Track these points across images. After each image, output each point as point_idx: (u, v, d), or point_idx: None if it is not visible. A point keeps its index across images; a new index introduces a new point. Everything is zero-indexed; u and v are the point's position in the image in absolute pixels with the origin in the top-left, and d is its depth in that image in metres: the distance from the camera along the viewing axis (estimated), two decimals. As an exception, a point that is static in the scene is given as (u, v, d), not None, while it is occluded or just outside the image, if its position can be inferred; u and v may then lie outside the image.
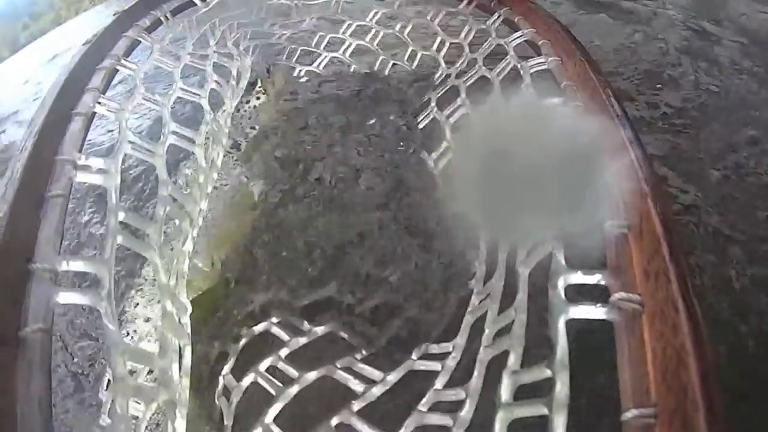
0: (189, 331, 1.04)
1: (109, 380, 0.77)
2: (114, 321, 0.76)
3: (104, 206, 0.91)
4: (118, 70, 1.21)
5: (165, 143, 1.20)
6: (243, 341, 1.16)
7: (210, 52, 1.74)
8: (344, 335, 1.20)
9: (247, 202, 1.71)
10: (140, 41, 1.36)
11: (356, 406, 0.96)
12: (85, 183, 0.92)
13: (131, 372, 0.78)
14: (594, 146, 0.77)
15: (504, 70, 1.31)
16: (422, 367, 1.03)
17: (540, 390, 0.68)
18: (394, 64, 2.18)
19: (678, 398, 0.49)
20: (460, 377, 0.95)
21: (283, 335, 1.16)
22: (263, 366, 1.07)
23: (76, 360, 1.39)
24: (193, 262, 1.40)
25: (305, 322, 1.21)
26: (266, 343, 1.15)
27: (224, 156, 1.76)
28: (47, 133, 0.91)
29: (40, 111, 0.95)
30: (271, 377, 1.04)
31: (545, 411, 0.63)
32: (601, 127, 0.83)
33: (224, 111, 1.70)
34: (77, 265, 0.77)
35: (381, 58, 2.19)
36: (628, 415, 0.53)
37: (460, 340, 1.03)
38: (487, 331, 0.92)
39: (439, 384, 0.96)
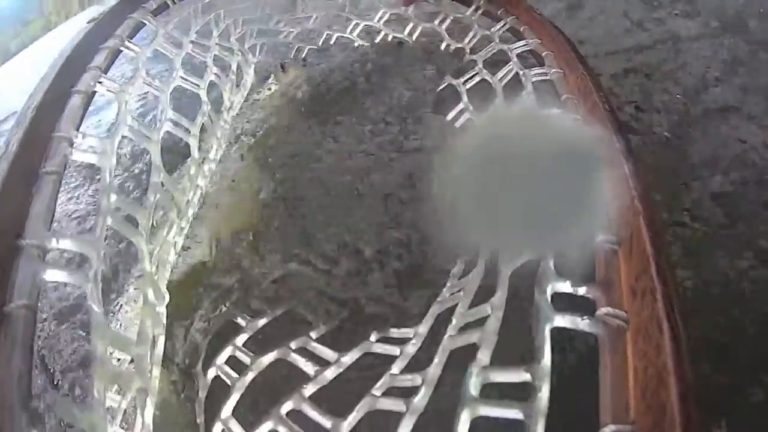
0: (164, 321, 1.03)
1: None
2: (99, 303, 0.76)
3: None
4: (121, 51, 1.20)
5: (161, 129, 1.20)
6: (209, 336, 1.15)
7: (212, 44, 1.74)
8: (304, 313, 1.19)
9: (249, 192, 1.70)
10: (145, 24, 1.35)
11: (308, 390, 0.93)
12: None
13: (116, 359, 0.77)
14: (589, 159, 0.78)
15: (506, 77, 1.31)
16: (379, 350, 1.01)
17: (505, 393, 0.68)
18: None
19: (656, 417, 0.50)
20: (418, 365, 0.93)
21: (241, 321, 1.13)
22: (222, 358, 1.05)
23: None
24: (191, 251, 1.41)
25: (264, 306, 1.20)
26: (229, 333, 1.13)
27: (225, 149, 1.75)
28: (45, 109, 0.91)
29: (40, 86, 0.95)
30: (228, 368, 1.02)
31: (520, 416, 0.63)
32: (598, 141, 0.84)
33: (223, 106, 1.70)
34: (66, 244, 0.77)
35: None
36: (606, 430, 0.53)
37: (423, 328, 1.01)
38: (454, 321, 0.91)
39: (395, 369, 0.94)
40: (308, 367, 0.98)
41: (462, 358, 0.84)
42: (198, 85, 1.47)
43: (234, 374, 1.00)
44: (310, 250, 1.40)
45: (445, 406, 0.85)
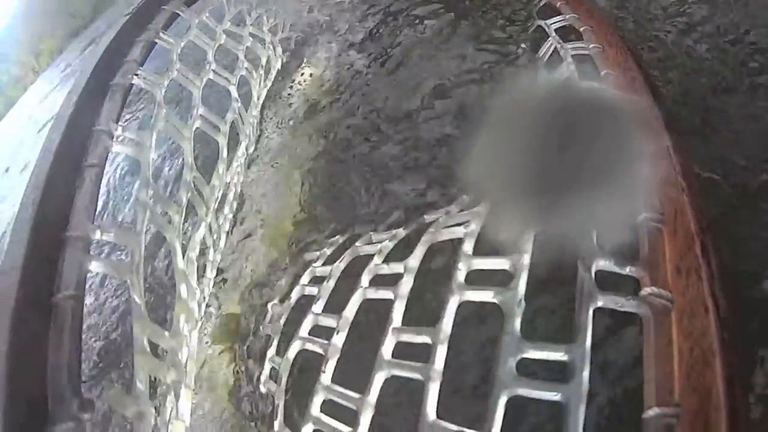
0: (196, 316, 1.05)
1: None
2: (141, 295, 0.77)
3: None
4: (156, 44, 1.22)
5: (193, 126, 1.21)
6: (283, 318, 1.13)
7: (245, 34, 1.75)
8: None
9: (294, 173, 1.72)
10: (179, 14, 1.36)
11: (326, 374, 0.92)
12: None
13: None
14: (632, 135, 0.75)
15: (547, 53, 1.29)
16: (374, 296, 0.98)
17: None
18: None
19: (701, 400, 0.48)
20: (419, 314, 0.91)
21: (314, 290, 1.12)
22: (304, 329, 1.04)
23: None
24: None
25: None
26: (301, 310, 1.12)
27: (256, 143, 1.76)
28: (85, 104, 0.93)
29: (78, 81, 0.97)
30: (315, 338, 1.02)
31: (559, 398, 0.61)
32: (641, 118, 0.81)
33: (251, 102, 1.70)
34: (110, 236, 0.78)
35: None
36: (651, 413, 0.52)
37: (413, 261, 0.97)
38: (460, 267, 0.86)
39: (396, 318, 0.90)
40: (318, 348, 0.97)
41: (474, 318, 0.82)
42: (229, 80, 1.47)
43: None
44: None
45: (467, 363, 0.83)
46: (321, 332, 1.01)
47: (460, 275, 0.85)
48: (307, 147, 1.79)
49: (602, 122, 0.77)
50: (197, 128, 1.21)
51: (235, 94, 1.49)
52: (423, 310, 0.94)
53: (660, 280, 0.63)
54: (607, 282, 0.67)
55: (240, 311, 1.39)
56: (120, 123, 0.94)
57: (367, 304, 0.98)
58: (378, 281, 1.00)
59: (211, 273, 1.32)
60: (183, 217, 1.01)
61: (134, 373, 0.72)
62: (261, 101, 1.92)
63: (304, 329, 1.02)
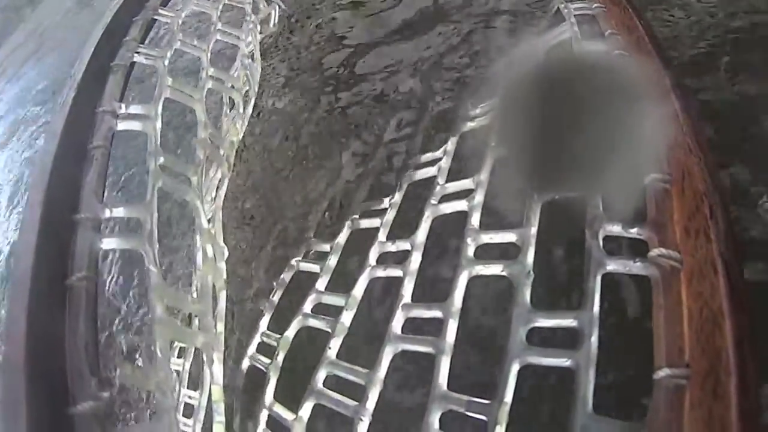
0: (224, 276, 1.05)
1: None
2: (156, 264, 0.78)
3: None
4: (156, 20, 1.21)
5: (204, 87, 1.20)
6: (278, 294, 1.14)
7: None
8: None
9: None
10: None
11: (333, 349, 0.93)
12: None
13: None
14: (638, 97, 0.74)
15: (550, 13, 1.27)
16: (382, 274, 0.99)
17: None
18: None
19: (712, 361, 0.49)
20: (430, 289, 0.93)
21: (314, 267, 1.12)
22: (252, 347, 1.07)
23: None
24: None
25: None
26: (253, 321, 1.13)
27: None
28: (86, 86, 0.92)
29: (78, 65, 0.96)
30: (261, 356, 1.04)
31: (569, 364, 0.62)
32: (646, 77, 0.80)
33: (254, 56, 1.67)
34: (120, 212, 0.79)
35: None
36: (661, 374, 0.52)
37: (420, 237, 0.98)
38: (469, 242, 0.87)
39: (406, 295, 0.91)
40: (324, 325, 0.98)
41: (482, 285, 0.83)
42: (239, 37, 1.46)
43: (266, 359, 1.02)
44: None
45: (479, 331, 0.83)
46: (325, 310, 1.02)
47: (469, 250, 0.86)
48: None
49: (607, 85, 0.76)
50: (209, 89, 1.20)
51: (244, 49, 1.48)
52: (432, 286, 0.94)
53: (668, 241, 0.63)
54: (615, 247, 0.68)
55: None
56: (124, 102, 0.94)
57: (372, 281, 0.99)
58: (385, 258, 1.01)
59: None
60: (202, 177, 1.00)
61: (153, 342, 0.73)
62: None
63: (308, 306, 1.03)
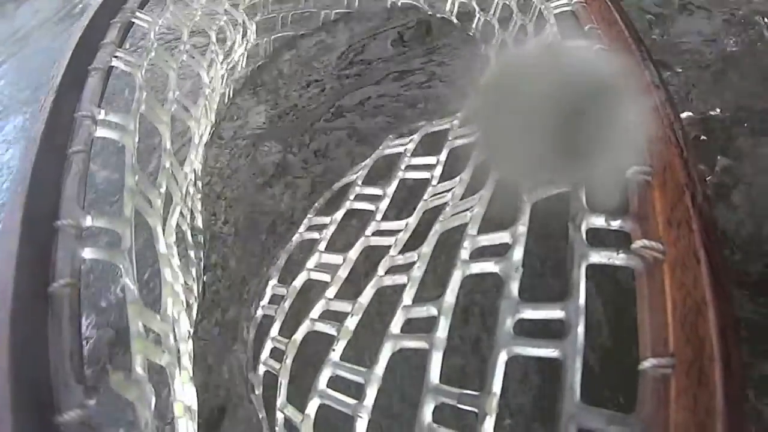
0: (183, 299, 1.06)
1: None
2: (133, 279, 0.78)
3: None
4: (133, 24, 1.19)
5: (170, 110, 1.18)
6: (288, 301, 1.14)
7: (221, 10, 1.71)
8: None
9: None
10: (155, -8, 1.34)
11: (337, 352, 0.95)
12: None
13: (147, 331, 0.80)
14: (618, 90, 0.75)
15: (535, 15, 1.29)
16: (390, 283, 1.01)
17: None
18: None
19: (695, 350, 0.49)
20: (429, 292, 0.94)
21: (270, 312, 1.15)
22: (265, 353, 1.09)
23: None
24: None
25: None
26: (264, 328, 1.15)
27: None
28: (65, 90, 0.91)
29: (57, 69, 0.95)
30: (273, 360, 1.06)
31: (557, 354, 0.63)
32: (626, 70, 0.81)
33: (214, 87, 1.65)
34: (101, 222, 0.78)
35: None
36: (646, 364, 0.52)
37: (426, 248, 1.01)
38: (466, 245, 0.89)
39: (407, 298, 0.94)
40: (330, 329, 1.00)
41: (475, 283, 0.84)
42: (200, 63, 1.44)
43: (277, 364, 1.04)
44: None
45: (468, 336, 0.85)
46: (331, 315, 1.04)
47: (464, 253, 0.88)
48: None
49: (588, 79, 0.77)
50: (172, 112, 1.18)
51: (205, 78, 1.46)
52: (431, 289, 0.96)
53: (651, 232, 0.63)
54: (598, 241, 0.68)
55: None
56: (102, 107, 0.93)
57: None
58: (392, 269, 1.04)
59: (196, 253, 1.32)
60: (163, 202, 1.00)
61: (132, 357, 0.72)
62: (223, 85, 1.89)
63: (315, 312, 1.05)
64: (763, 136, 1.48)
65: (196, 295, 1.19)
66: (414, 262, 1.00)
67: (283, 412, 0.97)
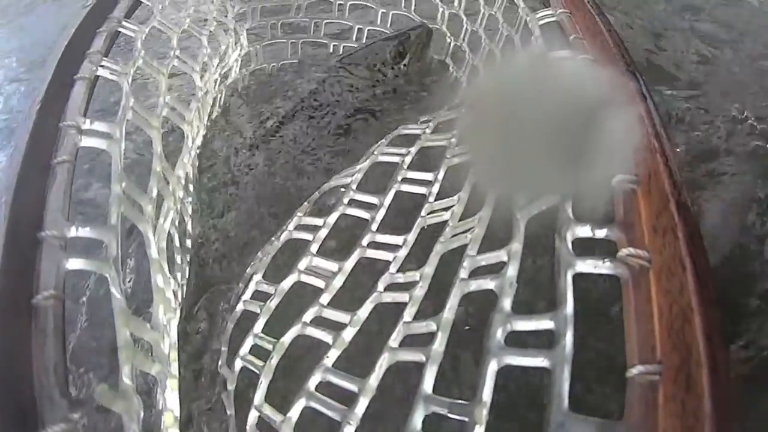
0: (174, 306, 1.05)
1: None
2: (120, 289, 0.77)
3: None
4: (120, 33, 1.19)
5: (160, 115, 1.18)
6: (275, 300, 1.12)
7: (210, 18, 1.71)
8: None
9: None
10: (141, 2, 1.33)
11: (330, 359, 0.94)
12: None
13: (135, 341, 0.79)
14: (603, 99, 0.76)
15: (520, 26, 1.30)
16: (389, 300, 1.01)
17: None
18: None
19: (682, 356, 0.50)
20: (430, 309, 0.93)
21: (255, 308, 1.13)
22: (245, 349, 1.06)
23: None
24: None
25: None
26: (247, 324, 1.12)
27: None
28: (50, 100, 0.91)
29: (43, 77, 0.95)
30: (253, 357, 1.04)
31: (546, 364, 0.63)
32: (611, 80, 0.82)
33: (208, 91, 1.65)
34: (86, 232, 0.77)
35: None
36: (634, 371, 0.53)
37: (428, 269, 1.00)
38: (465, 264, 0.90)
39: (407, 316, 0.94)
40: (325, 336, 0.99)
41: (474, 299, 0.85)
42: (192, 67, 1.44)
43: (259, 362, 1.02)
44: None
45: (464, 352, 0.85)
46: (324, 322, 1.03)
47: (464, 272, 0.89)
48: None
49: (573, 90, 0.78)
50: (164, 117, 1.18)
51: (198, 81, 1.46)
52: (426, 301, 0.98)
53: (636, 240, 0.64)
54: (585, 250, 0.69)
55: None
56: (88, 117, 0.92)
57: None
58: (392, 286, 1.04)
59: (183, 261, 1.31)
60: (154, 208, 0.99)
61: (120, 367, 0.71)
62: (216, 89, 1.89)
63: (308, 317, 1.04)
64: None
65: (180, 300, 1.17)
66: (416, 282, 1.00)
67: (260, 411, 0.95)
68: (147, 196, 0.99)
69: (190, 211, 1.45)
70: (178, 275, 1.23)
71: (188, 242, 1.43)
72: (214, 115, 1.96)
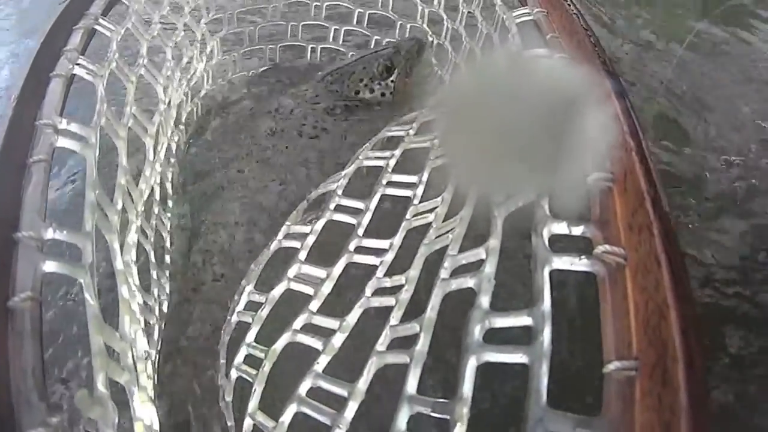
0: (140, 317, 1.04)
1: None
2: (94, 295, 0.76)
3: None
4: (96, 31, 1.17)
5: (127, 125, 1.15)
6: (266, 309, 1.11)
7: (180, 24, 1.69)
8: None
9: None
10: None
11: (320, 365, 0.95)
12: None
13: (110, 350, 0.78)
14: (579, 98, 0.77)
15: (498, 25, 1.31)
16: (377, 304, 1.01)
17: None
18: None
19: (659, 352, 0.50)
20: (414, 311, 0.93)
21: (247, 318, 1.13)
22: (239, 359, 1.07)
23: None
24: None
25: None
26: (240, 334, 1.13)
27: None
28: (26, 98, 0.90)
29: (19, 74, 0.93)
30: (247, 366, 1.05)
31: (525, 360, 0.64)
32: (586, 78, 0.83)
33: (169, 105, 1.59)
34: (62, 235, 0.77)
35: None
36: (611, 367, 0.54)
37: (414, 272, 1.01)
38: (446, 264, 0.91)
39: (394, 319, 0.94)
40: (315, 342, 0.99)
41: (456, 299, 0.86)
42: (156, 79, 1.41)
43: (253, 370, 1.02)
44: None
45: (446, 351, 0.86)
46: (314, 329, 1.03)
47: (444, 272, 0.89)
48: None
49: (549, 88, 0.79)
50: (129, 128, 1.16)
51: (161, 94, 1.43)
52: (410, 304, 0.98)
53: (612, 238, 0.65)
54: (563, 247, 0.70)
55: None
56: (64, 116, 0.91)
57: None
58: (379, 291, 1.05)
59: (161, 277, 1.30)
60: (119, 219, 0.98)
61: (94, 375, 0.71)
62: (189, 103, 1.87)
63: (298, 324, 1.04)
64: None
65: (157, 315, 1.16)
66: (402, 285, 1.00)
67: (253, 419, 0.96)
68: (113, 207, 0.98)
69: (168, 226, 1.44)
70: (155, 290, 1.22)
71: (167, 258, 1.41)
72: (191, 129, 1.93)
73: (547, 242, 0.71)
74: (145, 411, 0.88)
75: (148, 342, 1.06)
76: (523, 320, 0.68)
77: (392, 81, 2.06)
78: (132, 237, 1.11)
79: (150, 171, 1.30)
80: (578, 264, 0.66)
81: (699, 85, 2.23)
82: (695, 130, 2.01)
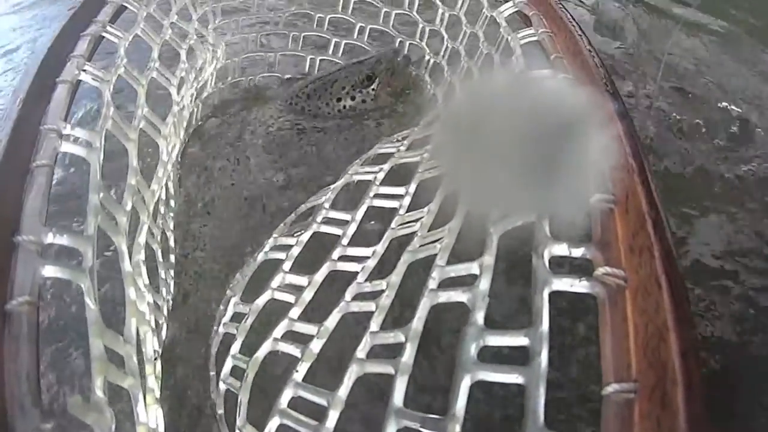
0: (148, 318, 1.03)
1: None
2: (94, 300, 0.76)
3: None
4: (103, 37, 1.18)
5: (137, 127, 1.16)
6: (250, 319, 1.11)
7: (191, 30, 1.70)
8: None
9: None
10: (126, 7, 1.32)
11: (300, 373, 0.94)
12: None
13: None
14: (582, 119, 0.77)
15: (500, 45, 1.32)
16: (356, 309, 1.01)
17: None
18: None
19: (658, 375, 0.50)
20: (397, 319, 0.94)
21: (232, 330, 1.12)
22: (226, 371, 1.06)
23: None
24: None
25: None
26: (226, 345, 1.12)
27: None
28: (32, 102, 0.90)
29: (24, 80, 0.94)
30: (233, 378, 1.04)
31: (521, 380, 0.63)
32: (590, 99, 0.83)
33: (182, 107, 1.62)
34: (63, 240, 0.76)
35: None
36: (609, 389, 0.53)
37: (395, 278, 1.00)
38: (434, 275, 0.89)
39: (374, 325, 0.94)
40: (294, 350, 0.98)
41: (441, 311, 0.85)
42: (170, 81, 1.43)
43: (237, 382, 1.02)
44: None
45: (437, 365, 0.85)
46: (295, 336, 1.02)
47: (432, 283, 0.88)
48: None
49: (552, 109, 0.79)
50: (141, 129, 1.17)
51: (175, 96, 1.44)
52: (395, 312, 0.97)
53: (613, 259, 0.65)
54: (562, 268, 0.69)
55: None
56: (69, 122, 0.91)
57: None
58: (359, 296, 1.04)
59: (167, 276, 1.30)
60: (129, 221, 0.98)
61: (92, 379, 0.70)
62: (192, 104, 1.88)
63: (279, 332, 1.03)
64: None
65: (165, 315, 1.16)
66: (383, 291, 0.99)
67: None
68: (122, 209, 0.98)
69: (172, 226, 1.45)
70: (163, 290, 1.22)
71: (172, 257, 1.42)
72: (191, 130, 1.95)
73: (547, 263, 0.70)
74: (152, 413, 0.87)
75: (157, 341, 1.06)
76: (520, 340, 0.67)
77: (373, 89, 2.16)
78: (142, 238, 1.11)
79: (163, 171, 1.31)
80: (578, 285, 0.65)
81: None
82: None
